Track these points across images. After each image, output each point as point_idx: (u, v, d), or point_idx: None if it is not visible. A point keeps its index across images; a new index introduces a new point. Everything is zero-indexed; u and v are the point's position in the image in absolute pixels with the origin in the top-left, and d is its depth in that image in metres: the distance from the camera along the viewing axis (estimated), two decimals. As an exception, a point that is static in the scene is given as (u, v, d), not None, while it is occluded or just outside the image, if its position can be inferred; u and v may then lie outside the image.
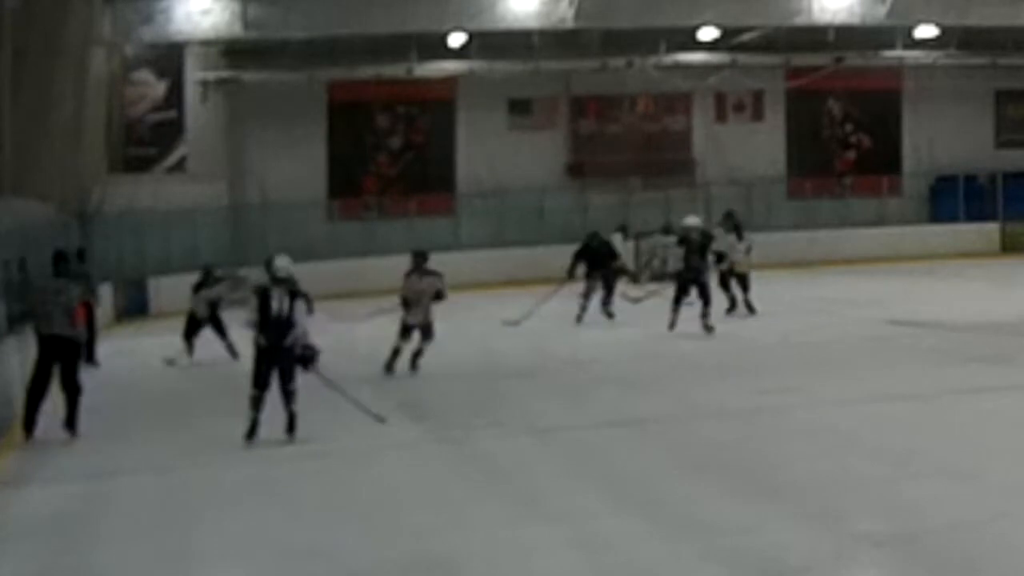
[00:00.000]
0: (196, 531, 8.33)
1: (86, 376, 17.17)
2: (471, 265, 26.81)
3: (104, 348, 19.62)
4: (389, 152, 30.85)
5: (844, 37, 29.50)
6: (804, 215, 31.59)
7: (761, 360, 15.28)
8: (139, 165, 27.77)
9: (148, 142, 28.14)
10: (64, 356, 11.65)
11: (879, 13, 27.55)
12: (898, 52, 30.78)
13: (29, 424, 11.61)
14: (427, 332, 15.33)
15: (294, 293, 11.50)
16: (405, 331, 15.39)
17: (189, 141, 28.58)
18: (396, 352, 15.35)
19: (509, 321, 19.32)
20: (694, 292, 17.73)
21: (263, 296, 11.43)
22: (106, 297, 23.73)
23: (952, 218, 32.38)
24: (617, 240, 24.63)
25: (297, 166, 29.27)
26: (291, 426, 11.32)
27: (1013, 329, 16.73)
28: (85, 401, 13.52)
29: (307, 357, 11.60)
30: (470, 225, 29.88)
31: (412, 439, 11.36)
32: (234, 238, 28.07)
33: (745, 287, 19.84)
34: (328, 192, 30.25)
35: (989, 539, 7.13)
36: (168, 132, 28.35)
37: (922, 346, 15.94)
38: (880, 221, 32.20)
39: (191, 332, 17.92)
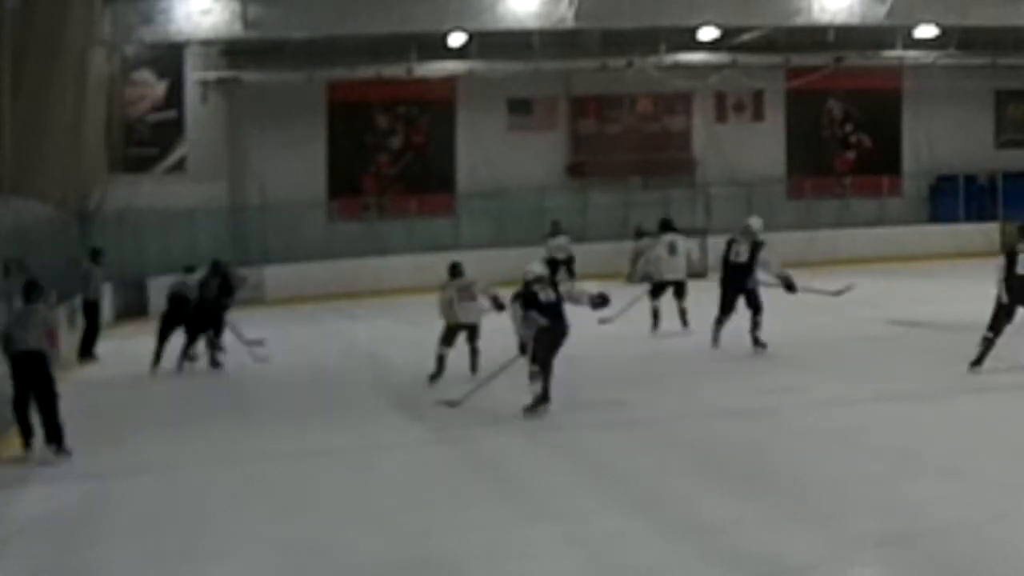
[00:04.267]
0: (196, 531, 8.33)
1: (88, 372, 17.25)
2: (471, 265, 26.55)
3: (104, 348, 19.65)
4: (389, 152, 30.85)
5: (844, 37, 29.50)
6: (804, 215, 31.61)
7: (761, 360, 15.27)
8: (139, 165, 27.77)
9: (148, 142, 28.13)
10: (35, 370, 11.44)
11: (879, 13, 27.54)
12: (898, 52, 30.78)
13: (26, 434, 11.51)
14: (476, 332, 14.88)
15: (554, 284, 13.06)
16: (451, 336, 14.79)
17: (189, 141, 28.58)
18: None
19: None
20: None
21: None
22: (106, 297, 23.75)
23: (952, 218, 32.39)
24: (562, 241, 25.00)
25: (297, 166, 29.28)
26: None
27: (1013, 329, 16.70)
28: (85, 401, 13.54)
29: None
30: (470, 225, 29.88)
31: (412, 439, 11.36)
32: (234, 238, 28.07)
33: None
34: (328, 192, 30.25)
35: (989, 539, 7.12)
36: (168, 132, 28.35)
37: (922, 346, 15.94)
38: (880, 221, 32.21)
39: (168, 331, 16.91)
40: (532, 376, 12.15)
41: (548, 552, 7.38)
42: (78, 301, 18.77)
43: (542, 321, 12.35)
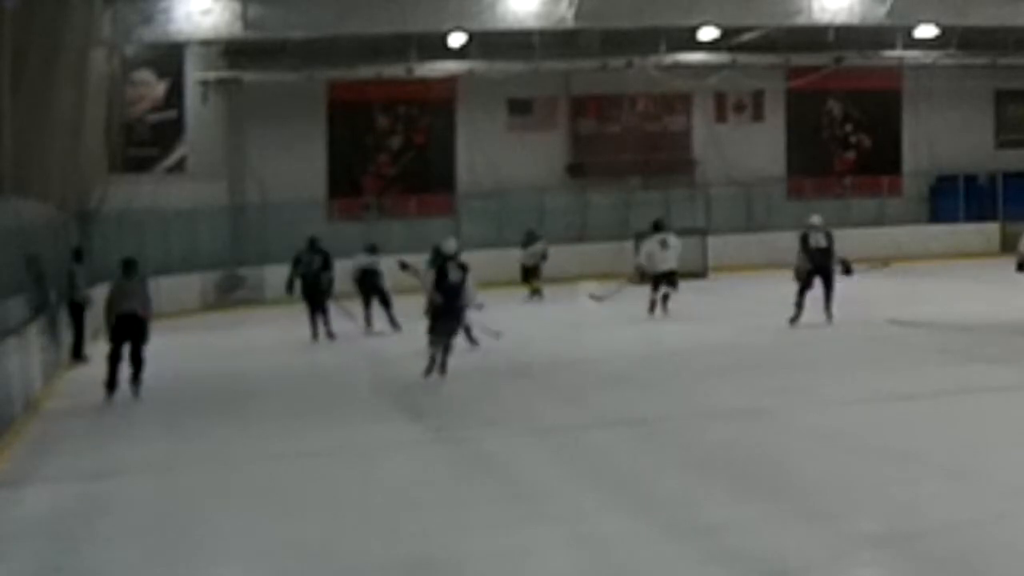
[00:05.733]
0: (195, 531, 8.32)
1: (83, 372, 17.26)
2: (471, 265, 26.73)
3: (104, 348, 19.61)
4: (389, 152, 30.85)
5: (844, 37, 29.51)
6: (804, 215, 31.53)
7: (761, 360, 15.28)
8: (139, 165, 27.76)
9: (148, 142, 28.13)
10: (133, 330, 14.51)
11: (879, 13, 27.56)
12: (898, 52, 30.78)
13: (111, 385, 14.36)
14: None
15: (463, 266, 14.73)
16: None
17: (189, 141, 28.59)
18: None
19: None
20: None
21: (440, 269, 14.73)
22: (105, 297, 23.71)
23: (952, 218, 32.38)
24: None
25: (297, 166, 29.27)
26: (444, 367, 14.39)
27: (1013, 329, 16.72)
28: (84, 401, 13.58)
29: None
30: (470, 225, 29.83)
31: (412, 439, 11.36)
32: (234, 238, 28.07)
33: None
34: (328, 192, 30.25)
35: (989, 539, 7.12)
36: (168, 132, 28.36)
37: (922, 346, 15.94)
38: (880, 221, 32.19)
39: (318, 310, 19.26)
40: (429, 344, 14.49)
41: (548, 552, 7.37)
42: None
43: (438, 299, 14.53)
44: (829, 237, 18.44)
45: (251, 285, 26.95)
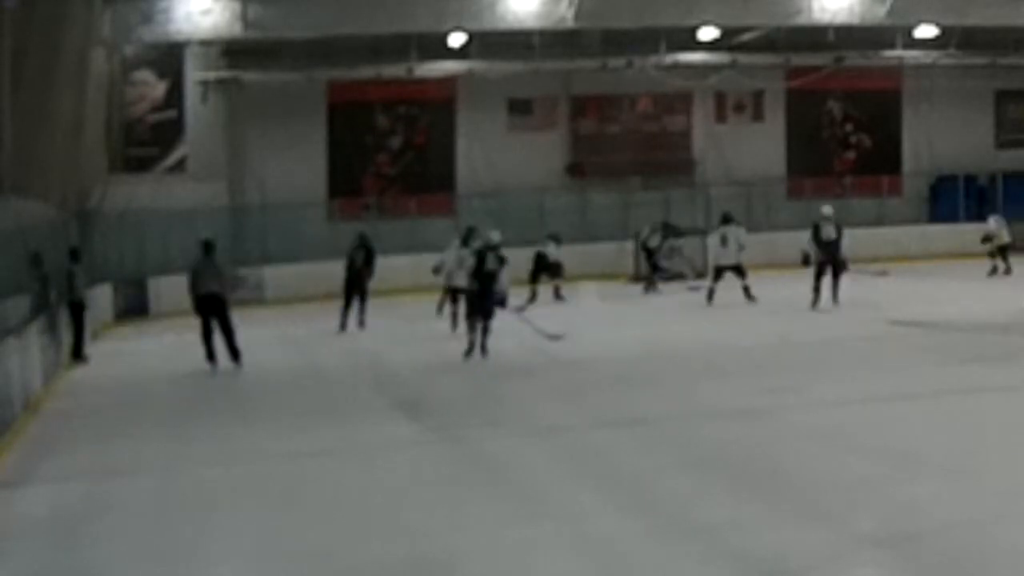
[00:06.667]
0: (195, 531, 8.32)
1: (83, 373, 17.27)
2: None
3: (104, 348, 19.68)
4: (389, 152, 30.87)
5: (844, 37, 29.52)
6: (804, 215, 31.57)
7: (761, 360, 15.28)
8: (139, 165, 27.80)
9: (148, 142, 28.16)
10: (215, 308, 16.05)
11: (879, 13, 27.58)
12: (898, 52, 30.81)
13: (210, 356, 16.15)
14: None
15: (501, 258, 16.18)
16: None
17: (189, 141, 28.60)
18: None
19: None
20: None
21: (480, 257, 16.29)
22: (106, 297, 23.77)
23: (952, 218, 32.38)
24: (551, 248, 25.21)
25: (297, 166, 29.29)
26: (484, 349, 15.89)
27: (1013, 329, 16.73)
28: (84, 401, 13.57)
29: (502, 301, 16.32)
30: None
31: (411, 438, 11.36)
32: (234, 238, 28.07)
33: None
34: (328, 192, 30.27)
35: (989, 539, 7.12)
36: (168, 132, 28.37)
37: (922, 346, 15.94)
38: (880, 221, 32.20)
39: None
40: (468, 329, 15.98)
41: (548, 552, 7.37)
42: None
43: (474, 286, 16.03)
44: (839, 229, 20.11)
45: (251, 285, 26.94)
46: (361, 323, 20.83)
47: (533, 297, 23.25)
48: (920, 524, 7.48)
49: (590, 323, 20.20)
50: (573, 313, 21.57)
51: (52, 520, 8.87)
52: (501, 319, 16.44)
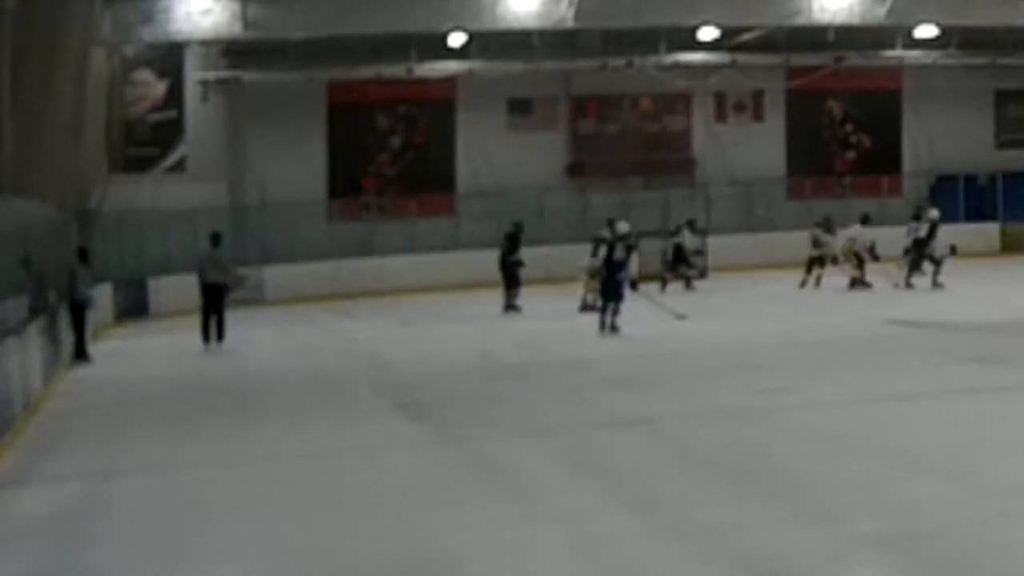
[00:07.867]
0: (196, 531, 8.32)
1: (85, 372, 17.27)
2: (471, 265, 26.83)
3: (104, 348, 19.67)
4: (389, 152, 30.85)
5: (844, 37, 29.52)
6: (804, 215, 31.57)
7: (761, 360, 15.28)
8: (139, 165, 27.78)
9: (148, 142, 28.14)
10: (216, 296, 18.64)
11: (879, 13, 27.58)
12: (898, 52, 30.80)
13: (206, 337, 18.60)
14: None
15: (630, 248, 18.41)
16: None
17: (189, 141, 28.59)
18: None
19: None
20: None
21: (611, 248, 18.36)
22: (106, 297, 23.75)
23: (952, 218, 32.32)
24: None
25: (297, 166, 29.28)
26: (614, 326, 18.02)
27: (1013, 329, 16.74)
28: (84, 401, 13.57)
29: (633, 283, 18.87)
30: (470, 225, 29.87)
31: (411, 439, 11.36)
32: (234, 238, 28.04)
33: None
34: (328, 192, 30.26)
35: (989, 539, 7.12)
36: (168, 132, 28.36)
37: (922, 346, 15.94)
38: (880, 221, 32.13)
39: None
40: (602, 309, 18.25)
41: (548, 552, 7.37)
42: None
43: (605, 273, 18.29)
44: (933, 226, 23.71)
45: (251, 285, 26.94)
46: (514, 307, 22.34)
47: (664, 285, 24.34)
48: (920, 524, 7.48)
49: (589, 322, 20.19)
50: (573, 313, 21.56)
51: (52, 520, 8.87)
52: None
